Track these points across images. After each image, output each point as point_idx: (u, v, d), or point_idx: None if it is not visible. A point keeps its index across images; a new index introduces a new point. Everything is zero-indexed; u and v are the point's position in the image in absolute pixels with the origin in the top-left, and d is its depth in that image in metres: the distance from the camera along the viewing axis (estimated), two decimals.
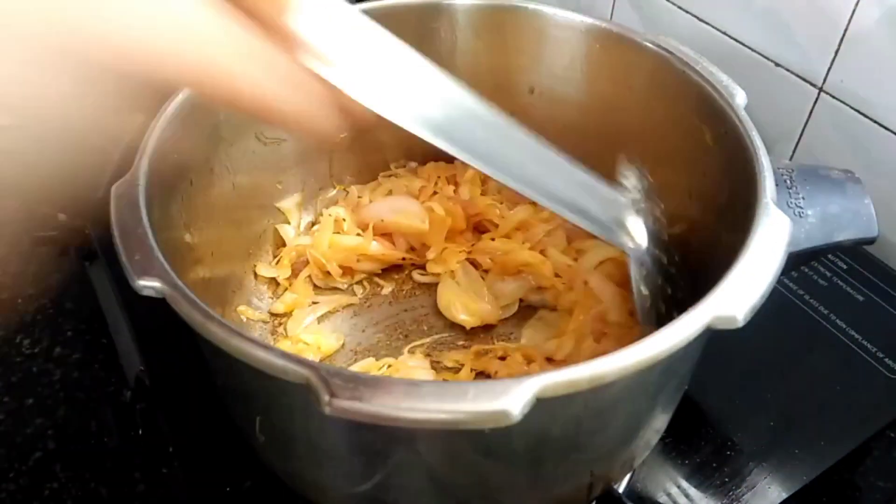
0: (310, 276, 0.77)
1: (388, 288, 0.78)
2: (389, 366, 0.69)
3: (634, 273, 0.62)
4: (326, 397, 0.39)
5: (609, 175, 0.77)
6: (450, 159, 0.84)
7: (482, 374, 0.69)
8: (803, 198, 0.58)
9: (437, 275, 0.77)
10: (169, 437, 0.69)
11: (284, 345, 0.70)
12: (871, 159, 0.83)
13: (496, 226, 0.80)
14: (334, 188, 0.84)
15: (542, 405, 0.40)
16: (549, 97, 0.78)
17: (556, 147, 0.79)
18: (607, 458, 0.56)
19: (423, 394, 0.39)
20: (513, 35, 0.77)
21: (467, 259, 0.77)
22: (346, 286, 0.78)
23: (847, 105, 0.83)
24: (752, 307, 0.45)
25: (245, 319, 0.72)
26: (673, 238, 0.71)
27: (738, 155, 0.58)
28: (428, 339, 0.73)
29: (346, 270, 0.77)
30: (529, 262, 0.74)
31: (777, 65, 0.88)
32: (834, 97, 0.84)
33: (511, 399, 0.39)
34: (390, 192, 0.83)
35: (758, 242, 0.50)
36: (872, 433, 0.68)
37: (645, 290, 0.62)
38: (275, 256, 0.78)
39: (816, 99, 0.86)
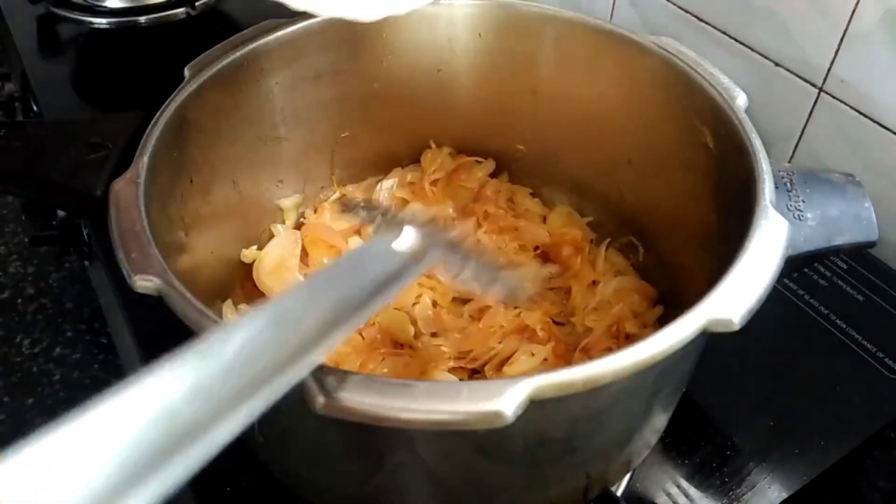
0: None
1: None
2: (411, 345, 0.70)
3: (447, 274, 0.58)
4: (320, 397, 0.39)
5: (608, 174, 0.77)
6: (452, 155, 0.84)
7: (476, 373, 0.69)
8: (803, 201, 0.58)
9: None
10: None
11: None
12: (872, 159, 0.83)
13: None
14: (334, 188, 0.84)
15: (537, 407, 0.40)
16: (551, 98, 0.78)
17: (558, 146, 0.80)
18: (604, 460, 0.56)
19: (417, 394, 0.39)
20: (513, 35, 0.77)
21: None
22: None
23: (847, 105, 0.83)
24: (749, 310, 0.45)
25: None
26: (671, 238, 0.71)
27: (738, 157, 0.58)
28: None
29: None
30: None
31: (777, 65, 0.88)
32: (834, 97, 0.84)
33: (504, 400, 0.39)
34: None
35: (756, 245, 0.49)
36: (872, 433, 0.68)
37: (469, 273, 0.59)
38: None
39: (816, 99, 0.86)
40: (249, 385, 0.33)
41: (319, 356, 0.36)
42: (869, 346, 0.73)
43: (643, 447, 0.61)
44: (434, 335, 0.72)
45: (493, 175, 0.85)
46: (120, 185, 0.55)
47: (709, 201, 0.64)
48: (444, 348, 0.70)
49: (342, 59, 0.76)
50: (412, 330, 0.71)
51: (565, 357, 0.69)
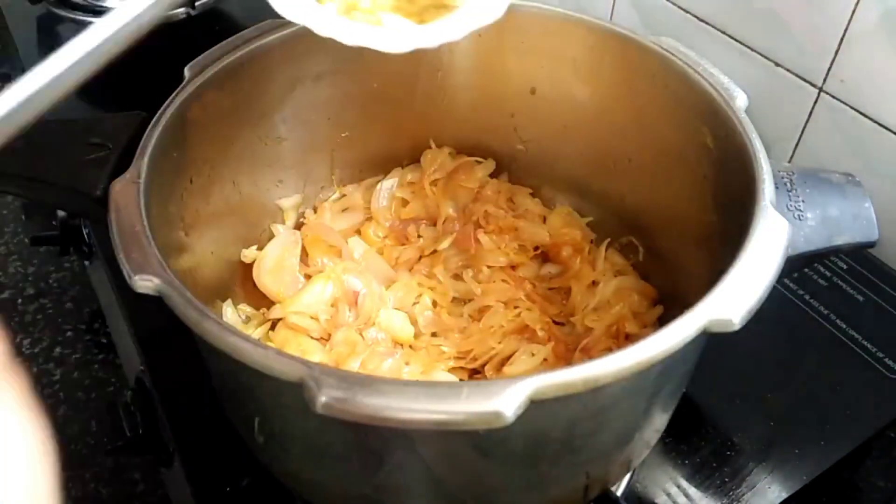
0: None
1: None
2: (411, 345, 0.70)
3: None
4: (320, 396, 0.39)
5: (608, 174, 0.78)
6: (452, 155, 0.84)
7: (476, 373, 0.69)
8: (803, 201, 0.58)
9: None
10: (169, 437, 0.69)
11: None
12: (871, 159, 0.83)
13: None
14: (335, 188, 0.84)
15: (537, 407, 0.40)
16: (550, 97, 0.78)
17: (558, 146, 0.80)
18: (603, 460, 0.56)
19: (417, 394, 0.39)
20: (513, 35, 0.77)
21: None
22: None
23: (847, 105, 0.83)
24: (749, 311, 0.45)
25: (245, 318, 0.72)
26: (671, 238, 0.71)
27: (737, 157, 0.58)
28: None
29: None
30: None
31: (777, 65, 0.88)
32: (834, 97, 0.84)
33: (504, 400, 0.39)
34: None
35: (756, 245, 0.49)
36: (872, 433, 0.68)
37: None
38: None
39: (816, 99, 0.86)
40: None
41: None
42: (869, 346, 0.73)
43: (643, 447, 0.61)
44: (434, 335, 0.72)
45: (493, 175, 0.85)
46: (120, 185, 0.55)
47: (709, 201, 0.64)
48: (444, 348, 0.70)
49: (342, 59, 0.75)
50: (412, 330, 0.71)
51: (565, 357, 0.69)
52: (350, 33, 0.51)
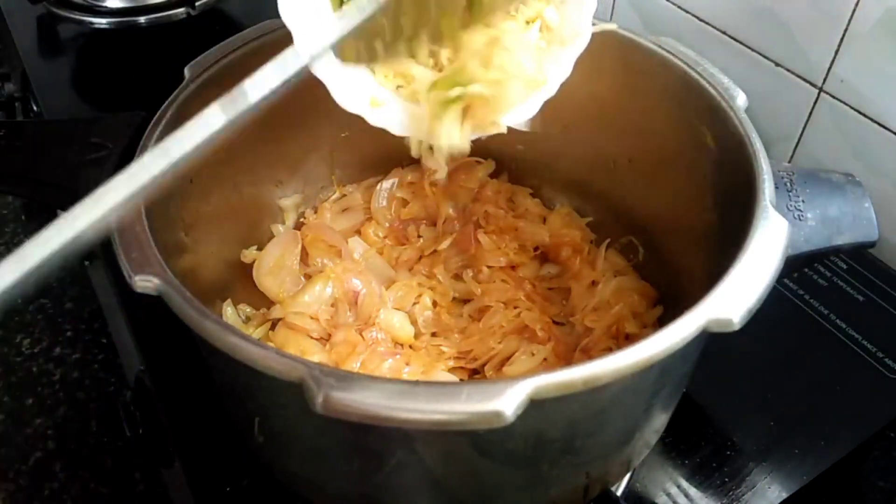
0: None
1: None
2: (411, 345, 0.70)
3: None
4: (320, 396, 0.39)
5: (608, 174, 0.77)
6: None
7: (476, 373, 0.69)
8: (803, 201, 0.58)
9: None
10: (169, 437, 0.69)
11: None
12: (872, 159, 0.83)
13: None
14: (334, 188, 0.84)
15: (537, 407, 0.40)
16: (551, 98, 0.78)
17: (558, 146, 0.80)
18: (604, 460, 0.56)
19: (417, 394, 0.39)
20: None
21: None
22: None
23: (847, 105, 0.83)
24: (749, 310, 0.45)
25: (245, 318, 0.72)
26: (671, 238, 0.71)
27: (738, 157, 0.58)
28: None
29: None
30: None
31: (777, 65, 0.88)
32: (834, 97, 0.84)
33: (504, 400, 0.39)
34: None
35: (756, 245, 0.49)
36: (872, 433, 0.68)
37: None
38: None
39: (816, 99, 0.86)
40: None
41: None
42: (869, 346, 0.73)
43: (643, 447, 0.61)
44: (434, 335, 0.72)
45: (493, 175, 0.85)
46: None
47: (709, 201, 0.64)
48: (444, 348, 0.70)
49: None
50: (412, 330, 0.71)
51: (565, 357, 0.69)
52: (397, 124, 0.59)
